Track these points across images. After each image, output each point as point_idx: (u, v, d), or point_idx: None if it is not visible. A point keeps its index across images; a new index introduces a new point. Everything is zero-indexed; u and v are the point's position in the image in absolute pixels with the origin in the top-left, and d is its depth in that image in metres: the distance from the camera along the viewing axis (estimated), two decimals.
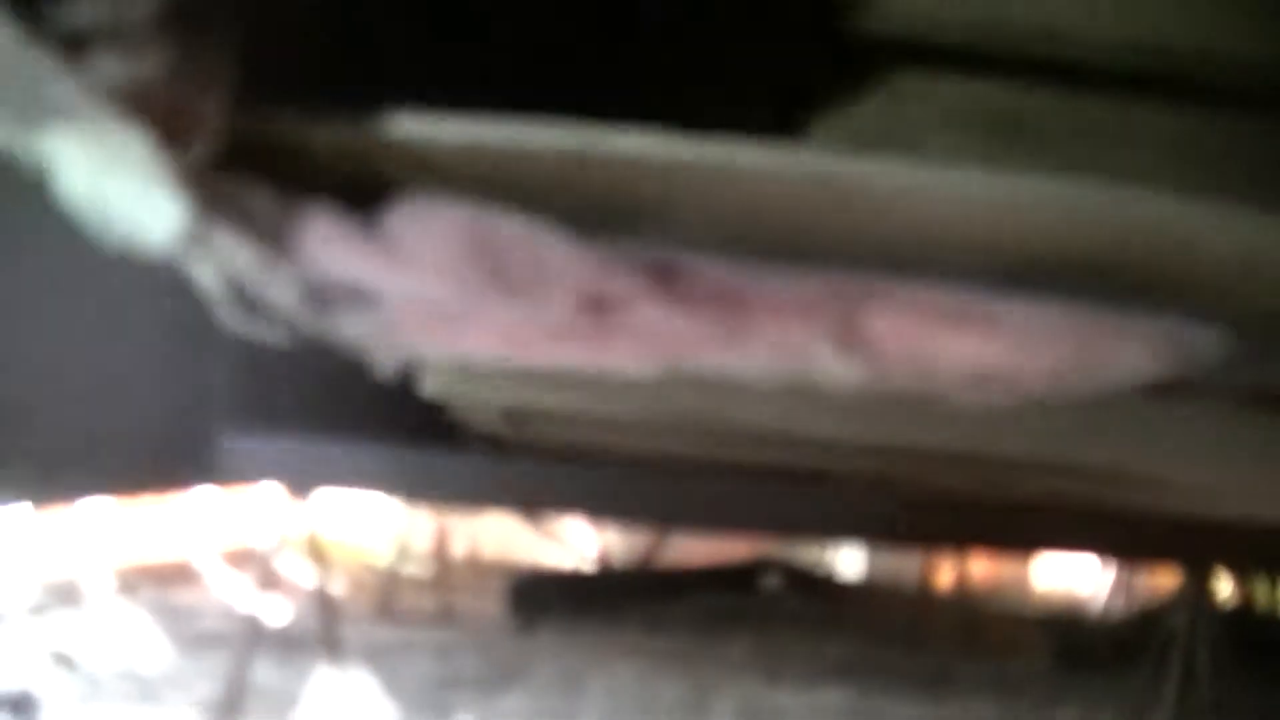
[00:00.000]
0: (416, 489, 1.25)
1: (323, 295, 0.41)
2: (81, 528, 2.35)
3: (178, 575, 2.79)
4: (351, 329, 0.44)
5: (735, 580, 3.40)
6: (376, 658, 2.06)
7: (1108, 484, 1.30)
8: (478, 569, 3.94)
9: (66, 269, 0.69)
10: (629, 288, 0.39)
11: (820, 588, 3.54)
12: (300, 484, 1.24)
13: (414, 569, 3.67)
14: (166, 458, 1.01)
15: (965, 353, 0.41)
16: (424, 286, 0.40)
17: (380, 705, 1.46)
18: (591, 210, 0.40)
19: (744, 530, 1.97)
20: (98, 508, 2.34)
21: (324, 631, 1.61)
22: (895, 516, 1.35)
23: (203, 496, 2.24)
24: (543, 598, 2.71)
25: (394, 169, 0.41)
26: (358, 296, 0.42)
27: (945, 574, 2.92)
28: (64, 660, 1.70)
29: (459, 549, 3.96)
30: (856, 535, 2.12)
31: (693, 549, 5.35)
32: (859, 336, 0.40)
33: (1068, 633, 3.96)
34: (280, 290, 0.40)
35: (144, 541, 2.76)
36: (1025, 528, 1.35)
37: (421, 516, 2.96)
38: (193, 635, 2.12)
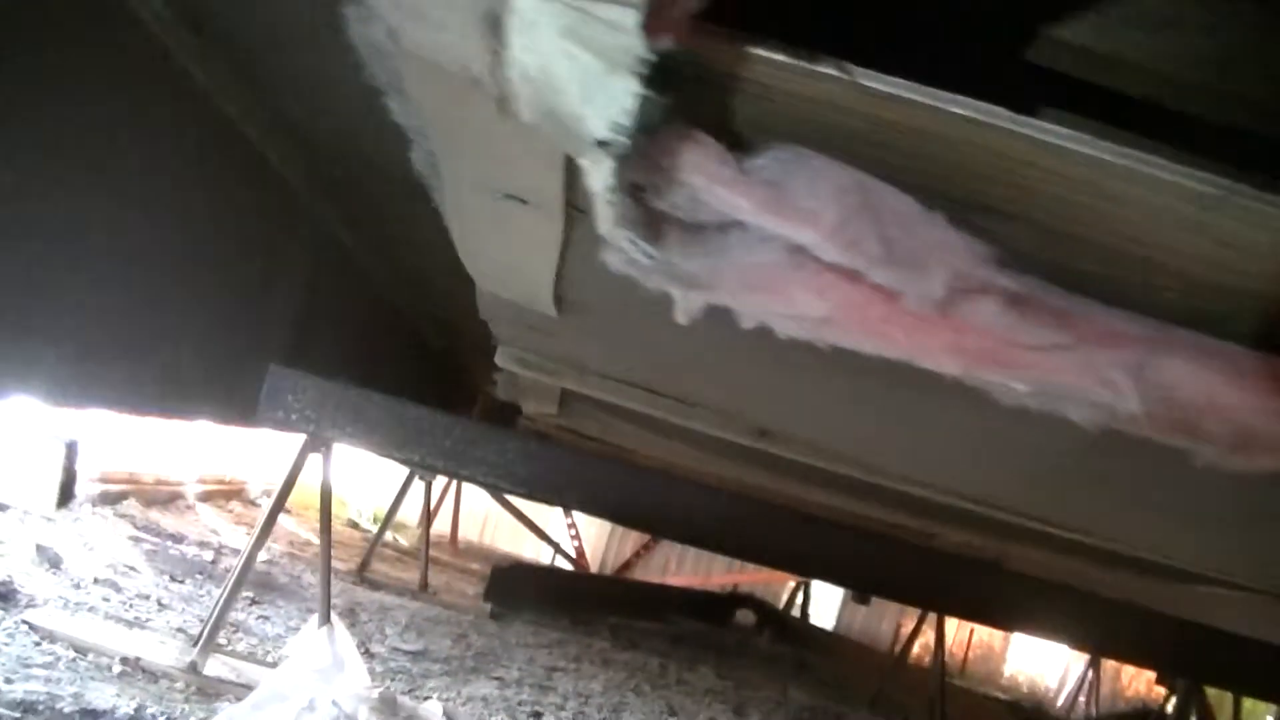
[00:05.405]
0: (429, 457, 1.26)
1: (682, 224, 0.41)
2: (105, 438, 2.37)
3: (171, 498, 2.82)
4: (679, 269, 0.43)
5: (709, 609, 3.40)
6: (353, 617, 2.08)
7: (1106, 564, 1.30)
8: (459, 550, 3.95)
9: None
10: (987, 280, 0.39)
11: (791, 631, 3.53)
12: (322, 432, 1.26)
13: (400, 539, 3.69)
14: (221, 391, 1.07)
15: (1242, 409, 0.41)
16: (803, 234, 0.39)
17: (355, 663, 1.46)
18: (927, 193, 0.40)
19: (743, 555, 1.95)
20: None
21: (322, 581, 1.62)
22: (894, 570, 1.36)
23: (224, 431, 2.26)
24: (520, 588, 2.71)
25: (788, 121, 0.39)
26: (707, 238, 0.42)
27: (919, 639, 2.91)
28: (50, 558, 1.71)
29: (444, 527, 3.98)
30: (852, 583, 2.12)
31: (669, 573, 5.33)
32: (1151, 377, 0.41)
33: (1034, 718, 3.94)
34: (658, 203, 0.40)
35: (153, 461, 2.80)
36: (1018, 606, 1.35)
37: (416, 489, 2.99)
38: (177, 558, 2.14)
